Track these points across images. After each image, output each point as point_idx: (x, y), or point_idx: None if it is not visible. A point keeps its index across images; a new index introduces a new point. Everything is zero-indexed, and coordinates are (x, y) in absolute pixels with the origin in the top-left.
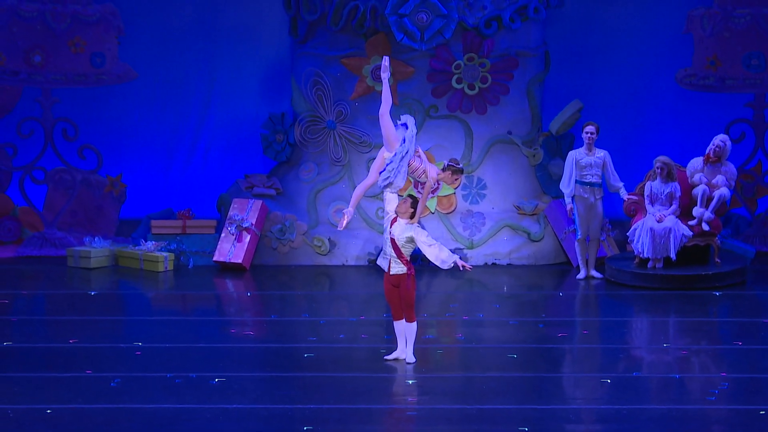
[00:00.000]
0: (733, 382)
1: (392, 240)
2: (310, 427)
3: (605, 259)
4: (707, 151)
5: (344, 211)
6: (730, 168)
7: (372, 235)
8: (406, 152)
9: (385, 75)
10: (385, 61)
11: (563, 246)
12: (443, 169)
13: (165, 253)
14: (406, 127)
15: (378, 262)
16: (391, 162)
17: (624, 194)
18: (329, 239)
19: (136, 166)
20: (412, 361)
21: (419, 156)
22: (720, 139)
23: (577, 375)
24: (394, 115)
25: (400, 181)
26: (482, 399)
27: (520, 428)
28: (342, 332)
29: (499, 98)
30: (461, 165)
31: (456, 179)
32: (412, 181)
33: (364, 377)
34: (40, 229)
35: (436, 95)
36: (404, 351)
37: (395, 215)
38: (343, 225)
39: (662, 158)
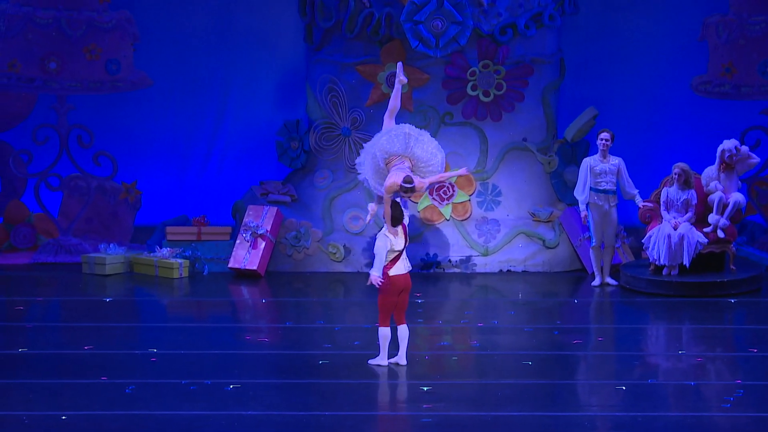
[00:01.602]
0: (749, 389)
1: None
2: None
3: (620, 266)
4: (719, 161)
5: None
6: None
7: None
8: (365, 159)
9: (400, 79)
10: (400, 67)
11: (578, 253)
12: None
13: (180, 260)
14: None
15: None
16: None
17: (639, 201)
18: (344, 246)
19: (151, 172)
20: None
21: (397, 165)
22: (727, 148)
23: (592, 382)
24: (411, 122)
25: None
26: (497, 406)
27: None
28: (357, 339)
29: (514, 105)
30: (412, 185)
31: (408, 197)
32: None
33: (379, 384)
34: (55, 236)
35: (451, 102)
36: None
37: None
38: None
39: (681, 165)
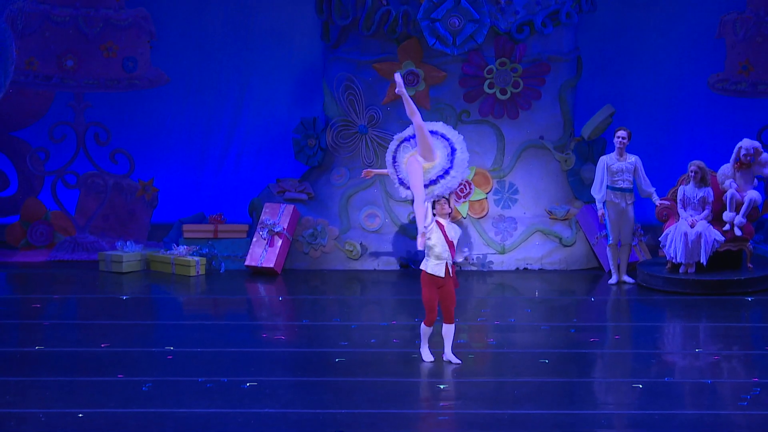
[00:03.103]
0: (765, 387)
1: (451, 243)
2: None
3: (637, 264)
4: (735, 159)
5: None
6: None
7: (403, 239)
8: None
9: (400, 90)
10: (398, 78)
11: (595, 251)
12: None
13: (197, 258)
14: (446, 138)
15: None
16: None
17: (656, 199)
18: (361, 244)
19: (168, 170)
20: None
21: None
22: (744, 147)
23: (609, 380)
24: (427, 119)
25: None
26: (514, 404)
27: None
28: (373, 337)
29: (531, 103)
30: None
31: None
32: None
33: (396, 382)
34: (72, 234)
35: (468, 100)
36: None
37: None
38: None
39: (697, 162)
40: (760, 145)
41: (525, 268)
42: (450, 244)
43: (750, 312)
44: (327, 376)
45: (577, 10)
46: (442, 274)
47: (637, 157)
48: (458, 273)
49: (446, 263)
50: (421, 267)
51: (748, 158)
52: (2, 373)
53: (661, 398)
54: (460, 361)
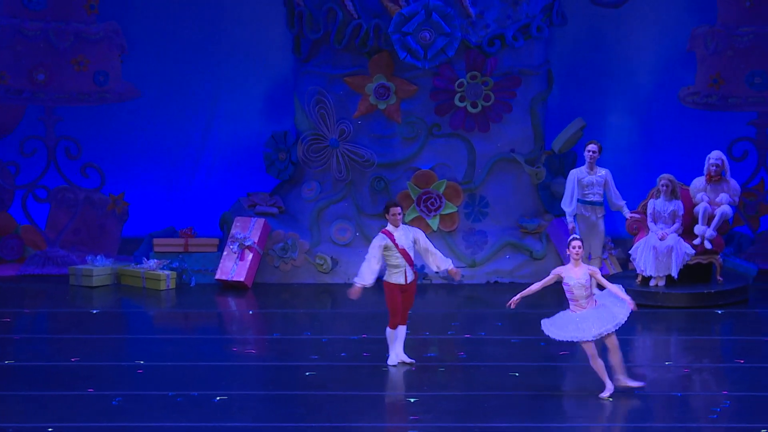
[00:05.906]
0: (735, 400)
1: (403, 250)
2: None
3: (607, 277)
4: (706, 171)
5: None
6: (733, 184)
7: None
8: None
9: None
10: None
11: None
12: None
13: (167, 272)
14: None
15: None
16: None
17: (626, 213)
18: (331, 257)
19: (139, 184)
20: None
21: None
22: (714, 157)
23: (579, 393)
24: (398, 133)
25: None
26: (484, 417)
27: None
28: (344, 350)
29: (502, 116)
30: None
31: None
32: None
33: (366, 395)
34: (43, 248)
35: (439, 113)
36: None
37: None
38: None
39: (666, 176)
40: (725, 156)
41: (495, 282)
42: (402, 251)
43: (720, 325)
44: (298, 389)
45: (547, 23)
46: (403, 281)
47: (607, 170)
48: (430, 286)
49: (405, 270)
50: (384, 278)
51: (717, 171)
52: None
53: (632, 411)
54: (413, 360)
